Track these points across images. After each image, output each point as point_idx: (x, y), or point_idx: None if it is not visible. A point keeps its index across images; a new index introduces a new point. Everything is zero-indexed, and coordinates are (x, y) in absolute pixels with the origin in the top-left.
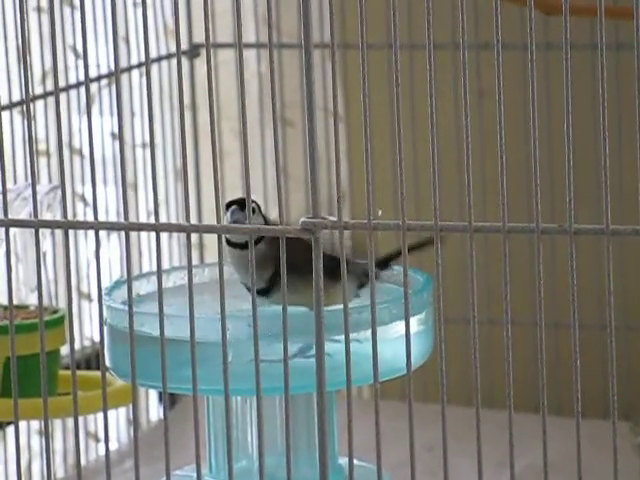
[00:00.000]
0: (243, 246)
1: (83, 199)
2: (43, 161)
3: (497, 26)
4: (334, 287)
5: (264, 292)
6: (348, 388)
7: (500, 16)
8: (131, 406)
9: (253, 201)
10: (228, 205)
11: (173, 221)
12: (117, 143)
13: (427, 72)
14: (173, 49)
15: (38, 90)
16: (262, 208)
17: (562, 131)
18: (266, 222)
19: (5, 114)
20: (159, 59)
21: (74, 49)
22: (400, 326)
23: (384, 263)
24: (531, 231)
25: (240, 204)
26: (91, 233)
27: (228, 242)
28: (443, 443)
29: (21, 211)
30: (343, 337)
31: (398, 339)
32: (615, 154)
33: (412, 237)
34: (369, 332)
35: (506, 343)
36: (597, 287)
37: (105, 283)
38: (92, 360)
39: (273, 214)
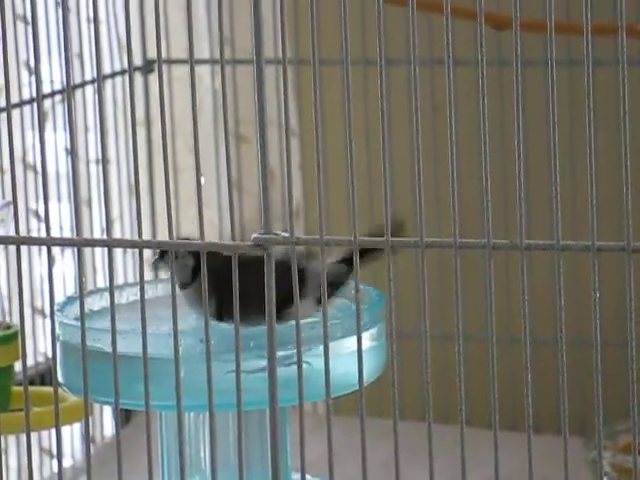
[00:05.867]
0: (182, 286)
1: (37, 215)
2: None
3: (448, 42)
4: (291, 308)
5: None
6: (300, 404)
7: (452, 32)
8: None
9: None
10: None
11: (127, 237)
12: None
13: (379, 88)
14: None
15: None
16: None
17: (515, 146)
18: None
19: None
20: (113, 75)
21: (27, 65)
22: (352, 342)
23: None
24: (482, 247)
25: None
26: (45, 248)
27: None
28: (395, 459)
29: None
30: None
31: (351, 354)
32: (568, 170)
33: None
34: (321, 348)
35: (458, 359)
36: (552, 302)
37: (59, 299)
38: (46, 376)
39: (228, 229)
